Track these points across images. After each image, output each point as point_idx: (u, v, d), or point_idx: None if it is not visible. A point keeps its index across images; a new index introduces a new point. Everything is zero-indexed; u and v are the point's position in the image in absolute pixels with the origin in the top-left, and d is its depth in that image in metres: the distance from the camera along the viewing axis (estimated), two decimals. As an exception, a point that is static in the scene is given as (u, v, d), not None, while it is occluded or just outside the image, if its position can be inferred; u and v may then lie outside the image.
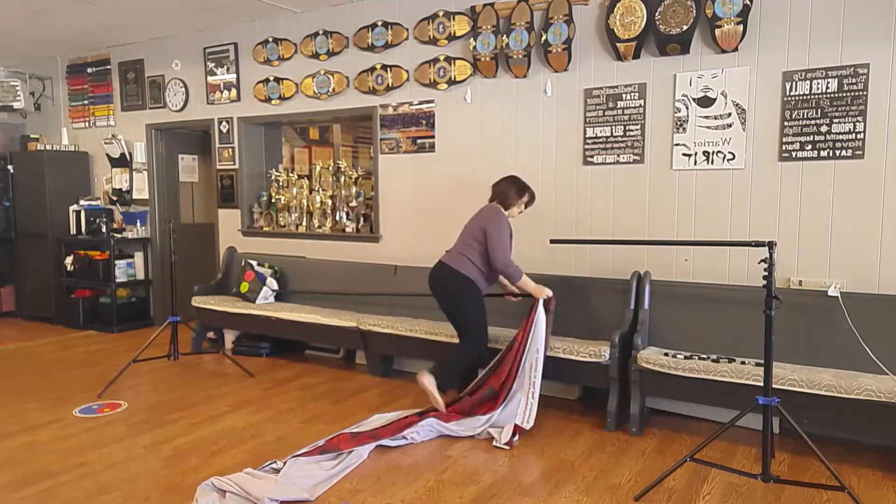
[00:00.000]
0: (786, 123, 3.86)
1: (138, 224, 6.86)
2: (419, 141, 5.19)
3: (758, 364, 3.60)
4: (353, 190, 5.70)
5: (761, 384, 3.39)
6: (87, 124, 7.25)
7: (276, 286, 5.55)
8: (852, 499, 2.81)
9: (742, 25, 3.86)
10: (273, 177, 6.06)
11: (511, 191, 4.00)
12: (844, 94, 3.70)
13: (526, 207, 4.10)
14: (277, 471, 3.17)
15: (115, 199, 7.01)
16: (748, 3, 3.83)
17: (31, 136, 7.37)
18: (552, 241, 4.01)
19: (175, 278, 5.11)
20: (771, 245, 2.92)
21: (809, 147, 3.81)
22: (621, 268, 4.36)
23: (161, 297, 6.89)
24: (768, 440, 2.98)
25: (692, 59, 4.09)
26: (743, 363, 3.58)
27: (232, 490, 2.97)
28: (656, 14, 4.08)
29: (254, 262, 5.68)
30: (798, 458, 3.47)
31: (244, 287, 5.54)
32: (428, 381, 3.86)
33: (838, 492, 2.97)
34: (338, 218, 5.78)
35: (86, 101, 7.22)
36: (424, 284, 4.91)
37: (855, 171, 3.71)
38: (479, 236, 3.89)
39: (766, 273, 2.91)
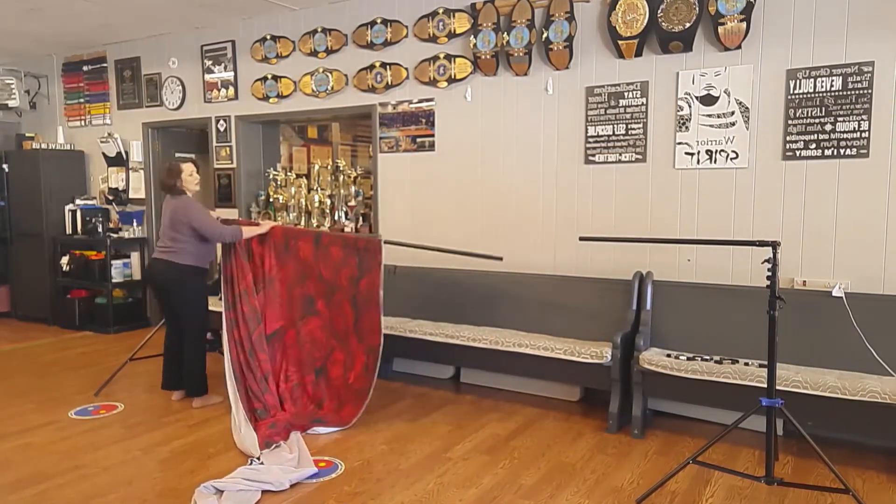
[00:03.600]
0: (790, 122, 3.83)
1: (134, 224, 6.81)
2: (419, 140, 5.14)
3: (761, 365, 3.57)
4: (352, 189, 5.66)
5: (765, 385, 3.37)
6: (82, 123, 7.20)
7: None
8: (857, 501, 2.78)
9: (745, 23, 3.82)
10: (271, 176, 6.01)
11: (170, 181, 4.21)
12: (849, 93, 3.67)
13: (197, 172, 4.34)
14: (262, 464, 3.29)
15: (111, 198, 6.96)
16: (751, 0, 3.80)
17: (27, 134, 7.31)
18: (581, 239, 3.77)
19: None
20: (775, 245, 2.88)
21: (814, 146, 3.78)
22: (623, 268, 4.32)
23: (158, 297, 6.84)
24: (772, 443, 2.95)
25: (695, 57, 4.06)
26: (746, 364, 3.55)
27: (237, 487, 2.98)
28: (658, 11, 4.05)
29: None
30: (802, 461, 3.44)
31: None
32: (198, 403, 4.27)
33: (843, 494, 2.94)
34: (336, 217, 5.74)
35: (82, 100, 7.16)
36: (424, 285, 4.93)
37: (860, 170, 3.68)
38: (185, 231, 4.14)
39: (770, 273, 2.88)
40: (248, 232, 4.17)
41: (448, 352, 4.40)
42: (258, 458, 3.35)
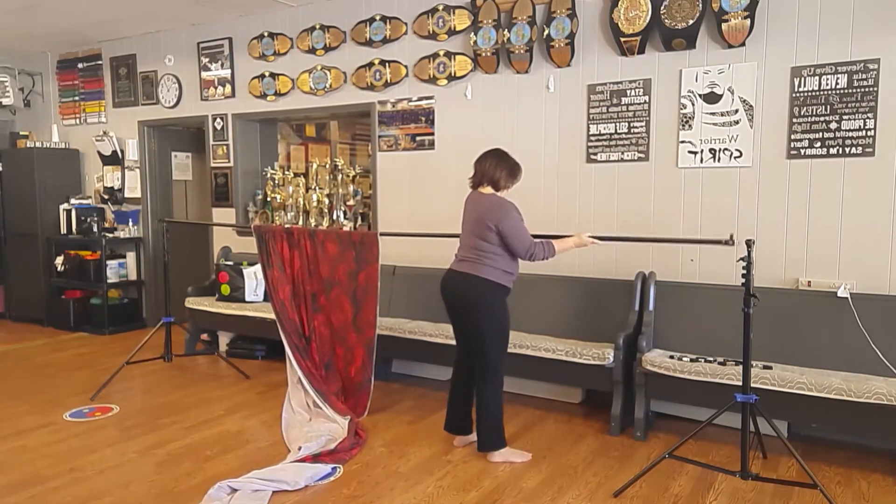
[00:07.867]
0: (794, 120, 3.79)
1: (130, 223, 6.75)
2: (418, 138, 5.09)
3: (765, 367, 3.54)
4: (351, 188, 5.61)
5: (766, 387, 3.35)
6: (77, 121, 7.13)
7: (260, 274, 5.42)
8: (825, 498, 2.81)
9: (749, 19, 3.78)
10: (269, 175, 5.95)
11: (500, 175, 3.51)
12: (854, 90, 3.63)
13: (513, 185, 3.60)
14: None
15: (106, 197, 6.90)
16: (756, -3, 3.76)
17: (21, 133, 7.23)
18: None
19: (169, 278, 5.01)
20: (749, 243, 2.93)
21: (818, 144, 3.74)
22: (625, 268, 4.28)
23: (154, 297, 6.78)
24: (747, 437, 2.97)
25: (698, 55, 4.01)
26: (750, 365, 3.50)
27: (253, 487, 2.97)
28: (661, 8, 4.00)
29: (229, 263, 5.65)
30: (808, 463, 3.39)
31: (225, 290, 5.47)
32: (498, 457, 3.41)
33: (847, 493, 2.94)
34: (335, 217, 5.68)
35: (77, 98, 7.10)
36: (423, 286, 4.88)
37: (865, 168, 3.64)
38: (492, 238, 3.35)
39: (745, 271, 2.93)
40: (564, 245, 3.47)
41: (448, 353, 4.33)
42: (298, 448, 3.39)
